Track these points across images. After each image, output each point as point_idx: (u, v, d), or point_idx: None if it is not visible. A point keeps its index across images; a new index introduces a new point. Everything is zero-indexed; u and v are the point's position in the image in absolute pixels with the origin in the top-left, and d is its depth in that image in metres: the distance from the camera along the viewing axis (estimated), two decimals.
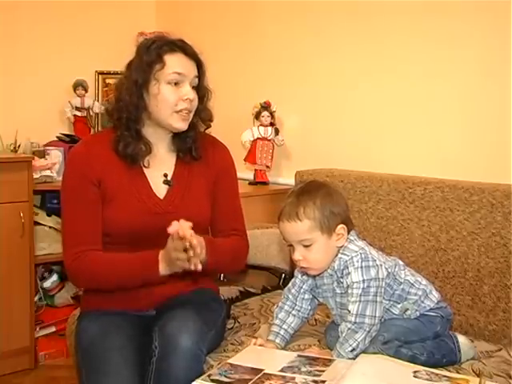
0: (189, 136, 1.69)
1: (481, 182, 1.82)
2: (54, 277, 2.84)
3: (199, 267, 1.45)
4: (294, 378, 1.33)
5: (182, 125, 1.63)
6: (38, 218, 2.72)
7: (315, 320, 1.83)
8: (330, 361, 1.44)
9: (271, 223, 2.34)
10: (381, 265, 1.49)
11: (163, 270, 1.53)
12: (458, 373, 1.45)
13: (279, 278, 2.32)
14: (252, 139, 2.61)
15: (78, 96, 3.00)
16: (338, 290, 1.53)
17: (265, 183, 2.64)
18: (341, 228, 1.50)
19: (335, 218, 1.50)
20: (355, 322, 1.45)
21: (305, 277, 1.61)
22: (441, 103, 2.13)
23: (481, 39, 2.00)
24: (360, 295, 1.46)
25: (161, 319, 1.50)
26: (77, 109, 3.00)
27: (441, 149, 2.13)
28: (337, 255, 1.51)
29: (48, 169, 2.69)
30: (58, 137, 2.95)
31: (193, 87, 1.63)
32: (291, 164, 2.64)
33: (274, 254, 2.24)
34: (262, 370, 1.37)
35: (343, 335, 1.46)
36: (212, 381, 1.33)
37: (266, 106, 2.60)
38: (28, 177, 2.50)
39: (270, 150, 2.62)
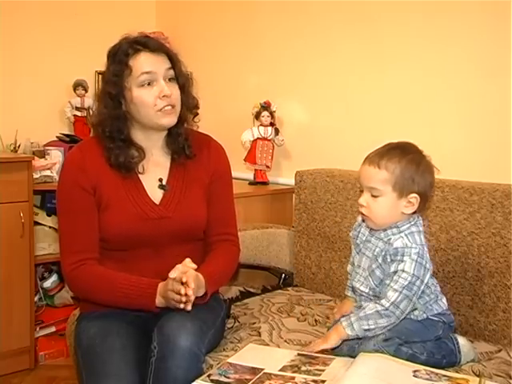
0: (180, 133, 1.66)
1: (481, 182, 1.82)
2: (54, 277, 2.84)
3: (188, 308, 1.46)
4: (293, 378, 1.34)
5: (168, 120, 1.60)
6: (38, 218, 2.72)
7: (315, 320, 1.84)
8: (330, 360, 1.44)
9: (271, 223, 2.35)
10: (429, 269, 1.50)
11: (159, 302, 1.52)
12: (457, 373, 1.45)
13: (279, 278, 2.32)
14: (252, 139, 2.61)
15: (78, 96, 3.00)
16: (379, 259, 1.53)
17: (265, 183, 2.64)
18: (413, 197, 1.50)
19: (413, 185, 1.49)
20: (387, 309, 1.45)
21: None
22: (441, 103, 2.13)
23: (480, 39, 2.00)
24: (403, 287, 1.45)
25: (160, 319, 1.50)
26: (77, 109, 3.00)
27: (440, 149, 2.13)
28: (401, 234, 1.50)
29: (48, 169, 2.69)
30: (57, 137, 2.95)
31: (170, 80, 1.60)
32: (291, 164, 2.64)
33: (273, 254, 2.24)
34: (261, 370, 1.37)
35: (366, 312, 1.46)
36: (212, 381, 1.33)
37: (265, 106, 2.60)
38: (28, 177, 2.50)
39: (270, 150, 2.62)
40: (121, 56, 1.58)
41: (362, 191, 1.55)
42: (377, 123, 2.33)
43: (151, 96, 1.57)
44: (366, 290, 1.55)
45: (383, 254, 1.52)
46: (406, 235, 1.50)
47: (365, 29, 2.33)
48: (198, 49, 2.94)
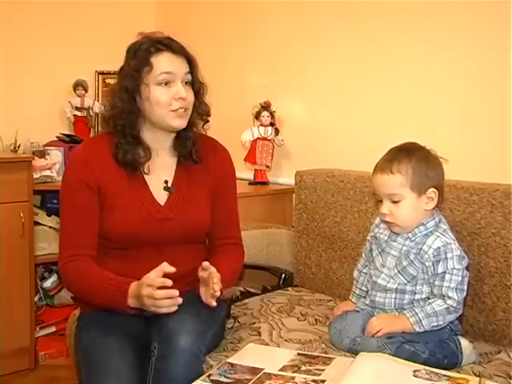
0: (188, 137, 1.67)
1: (481, 181, 1.82)
2: (54, 277, 2.84)
3: (214, 304, 1.47)
4: (293, 378, 1.34)
5: (179, 122, 1.61)
6: (37, 217, 2.72)
7: (315, 320, 1.84)
8: (330, 360, 1.44)
9: (271, 223, 2.35)
10: (465, 258, 1.55)
11: (132, 302, 1.49)
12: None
13: (279, 278, 2.32)
14: (252, 139, 2.61)
15: (78, 96, 3.00)
16: (411, 257, 1.55)
17: (265, 183, 2.64)
18: (432, 192, 1.54)
19: (428, 180, 1.53)
20: (456, 308, 1.51)
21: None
22: (441, 103, 2.13)
23: (481, 40, 2.00)
24: (459, 283, 1.51)
25: (160, 319, 1.49)
26: (77, 109, 3.01)
27: (441, 149, 2.12)
28: (435, 233, 1.54)
29: (48, 169, 2.69)
30: (57, 137, 2.94)
31: (186, 83, 1.62)
32: (291, 164, 2.64)
33: (273, 254, 2.24)
34: (261, 370, 1.37)
35: (436, 309, 1.50)
36: (212, 381, 1.34)
37: (265, 106, 2.60)
38: (28, 177, 2.50)
39: (270, 150, 2.62)
40: (143, 53, 1.59)
41: (380, 201, 1.58)
42: (377, 123, 2.33)
43: (168, 96, 1.58)
44: (394, 286, 1.57)
45: (414, 251, 1.55)
46: (441, 234, 1.55)
47: (365, 29, 2.33)
48: (198, 49, 2.92)
